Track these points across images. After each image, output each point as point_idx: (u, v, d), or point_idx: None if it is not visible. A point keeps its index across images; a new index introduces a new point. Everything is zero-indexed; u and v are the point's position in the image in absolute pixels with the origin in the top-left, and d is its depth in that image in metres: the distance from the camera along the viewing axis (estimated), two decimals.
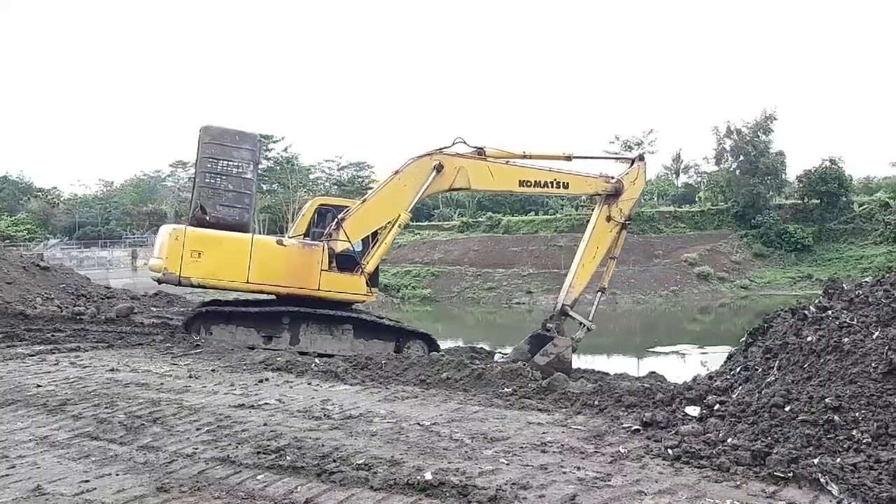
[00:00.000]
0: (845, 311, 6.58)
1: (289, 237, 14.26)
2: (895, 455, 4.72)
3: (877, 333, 5.84)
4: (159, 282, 13.90)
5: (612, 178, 14.52)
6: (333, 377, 9.37)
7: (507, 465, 5.47)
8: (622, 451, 5.80)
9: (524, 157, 14.33)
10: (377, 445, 6.03)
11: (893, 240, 53.94)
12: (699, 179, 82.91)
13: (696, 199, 76.48)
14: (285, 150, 78.93)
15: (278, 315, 13.57)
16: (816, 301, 7.41)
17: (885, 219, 58.18)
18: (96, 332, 13.55)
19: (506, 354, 14.94)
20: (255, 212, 15.40)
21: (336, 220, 13.68)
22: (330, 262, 13.48)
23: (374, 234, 14.11)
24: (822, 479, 4.70)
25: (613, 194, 14.40)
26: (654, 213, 65.13)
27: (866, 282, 7.25)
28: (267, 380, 9.19)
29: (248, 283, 13.30)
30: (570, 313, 14.09)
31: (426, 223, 70.46)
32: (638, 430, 6.43)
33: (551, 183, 14.36)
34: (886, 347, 5.53)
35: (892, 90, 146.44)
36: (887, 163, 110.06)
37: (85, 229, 78.56)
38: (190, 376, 9.37)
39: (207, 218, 13.58)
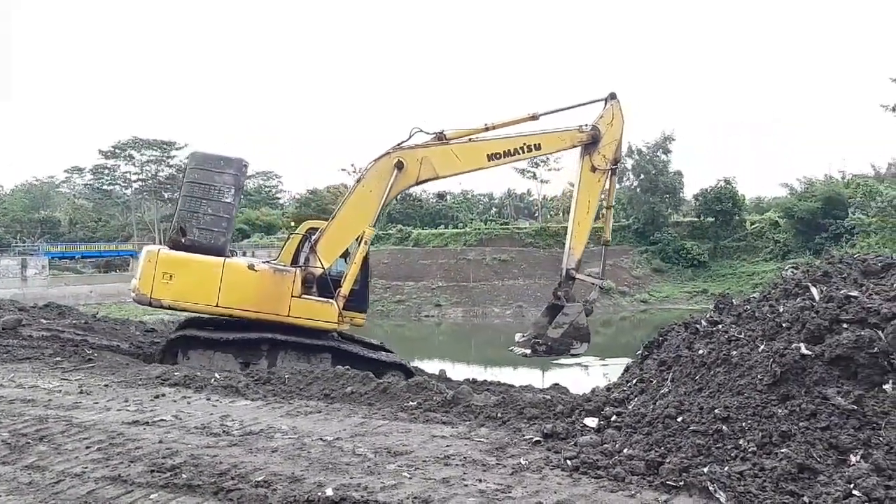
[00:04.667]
0: (734, 326, 6.86)
1: (264, 261, 13.93)
2: (778, 463, 4.96)
3: (762, 347, 6.13)
4: (136, 302, 13.58)
5: (587, 125, 13.96)
6: (234, 392, 9.12)
7: (410, 479, 5.46)
8: (523, 462, 5.88)
9: (487, 129, 13.79)
10: (277, 462, 5.91)
11: (782, 257, 56.93)
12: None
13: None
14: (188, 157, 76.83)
15: (257, 341, 13.12)
16: (708, 315, 7.71)
17: (774, 237, 61.66)
18: None
19: (526, 335, 14.24)
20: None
21: (309, 243, 13.35)
22: (308, 288, 13.05)
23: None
24: (711, 488, 4.89)
25: (592, 143, 13.95)
26: (560, 229, 66.67)
27: (754, 297, 7.58)
28: (163, 395, 8.88)
29: (217, 306, 12.93)
30: (577, 276, 13.82)
31: None
32: (539, 441, 6.53)
33: (521, 149, 13.79)
34: (771, 360, 5.80)
35: (781, 115, 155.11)
36: (777, 183, 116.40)
37: None
38: (81, 392, 8.97)
39: (183, 240, 13.37)
